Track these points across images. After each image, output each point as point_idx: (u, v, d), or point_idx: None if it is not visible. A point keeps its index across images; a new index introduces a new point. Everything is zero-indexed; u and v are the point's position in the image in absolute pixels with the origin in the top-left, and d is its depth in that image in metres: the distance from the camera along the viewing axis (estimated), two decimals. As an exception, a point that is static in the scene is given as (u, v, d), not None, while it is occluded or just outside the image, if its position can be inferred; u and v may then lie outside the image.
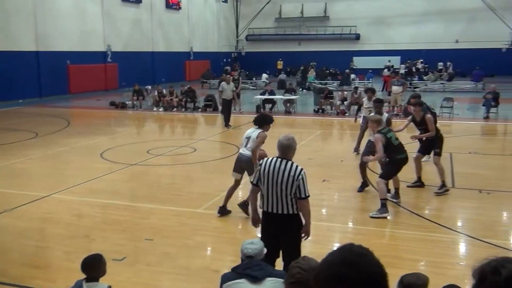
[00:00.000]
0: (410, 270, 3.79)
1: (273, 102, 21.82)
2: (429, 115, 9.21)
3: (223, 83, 17.81)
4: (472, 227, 7.44)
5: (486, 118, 18.46)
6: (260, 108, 21.51)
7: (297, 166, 4.75)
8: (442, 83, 31.70)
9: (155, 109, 22.80)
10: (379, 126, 8.16)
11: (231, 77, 19.41)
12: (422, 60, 40.58)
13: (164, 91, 23.56)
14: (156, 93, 23.59)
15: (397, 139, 8.14)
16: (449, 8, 43.65)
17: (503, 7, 40.49)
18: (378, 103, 9.77)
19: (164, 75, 37.64)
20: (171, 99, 22.75)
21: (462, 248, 6.75)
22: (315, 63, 41.39)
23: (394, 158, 8.10)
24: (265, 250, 3.79)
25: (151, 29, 37.57)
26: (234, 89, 18.25)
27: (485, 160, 11.94)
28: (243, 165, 7.77)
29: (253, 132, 7.67)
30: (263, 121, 7.68)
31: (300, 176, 4.67)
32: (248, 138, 7.67)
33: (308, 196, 4.73)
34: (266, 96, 21.76)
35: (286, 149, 4.80)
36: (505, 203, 8.64)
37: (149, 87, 26.50)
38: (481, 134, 16.06)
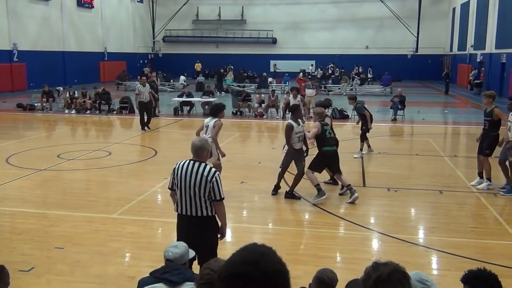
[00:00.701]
0: (326, 267, 3.90)
1: (191, 104, 21.68)
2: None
3: (139, 85, 17.36)
4: (381, 223, 7.83)
5: (394, 120, 19.54)
6: (178, 110, 21.28)
7: (210, 168, 4.73)
8: (351, 88, 33.09)
9: (66, 111, 21.82)
10: (320, 118, 9.07)
11: (149, 79, 18.92)
12: (332, 65, 42.09)
13: (76, 93, 22.63)
14: (67, 95, 22.59)
15: (330, 133, 9.06)
16: (360, 16, 45.79)
17: (408, 16, 43.15)
18: (295, 110, 10.01)
19: (77, 76, 36.11)
20: (83, 101, 21.89)
21: (373, 244, 7.08)
22: (231, 66, 41.70)
23: (320, 149, 8.94)
24: (191, 254, 3.73)
25: (61, 28, 35.88)
26: (151, 90, 17.80)
27: (393, 160, 12.62)
28: None
29: (210, 121, 8.74)
30: (216, 110, 8.83)
31: (214, 178, 4.65)
32: (207, 126, 8.74)
33: (223, 198, 4.73)
34: (184, 99, 21.57)
35: (199, 151, 4.77)
36: (411, 200, 9.18)
37: (61, 88, 25.29)
38: (390, 135, 16.95)
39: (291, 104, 15.38)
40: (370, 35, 46.00)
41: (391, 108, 20.27)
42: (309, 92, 20.77)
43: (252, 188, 9.77)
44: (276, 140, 16.50)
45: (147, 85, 17.52)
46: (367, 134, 13.07)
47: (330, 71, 40.77)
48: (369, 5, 44.74)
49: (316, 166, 8.92)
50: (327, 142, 8.90)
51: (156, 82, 22.99)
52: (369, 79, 39.56)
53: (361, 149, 13.03)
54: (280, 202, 8.92)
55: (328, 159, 8.93)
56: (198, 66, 45.81)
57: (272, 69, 44.48)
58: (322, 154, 8.90)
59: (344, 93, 31.29)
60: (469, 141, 16.20)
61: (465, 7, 38.83)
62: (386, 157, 12.94)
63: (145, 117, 17.15)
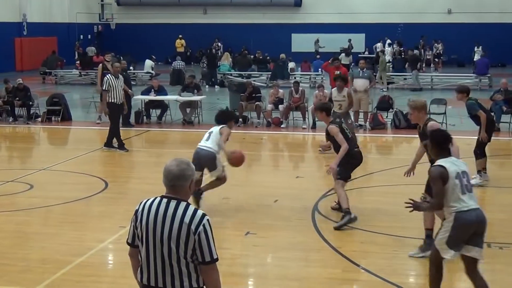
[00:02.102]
0: None
1: (163, 106, 21.71)
2: (331, 126, 10.67)
3: (109, 76, 16.50)
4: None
5: (496, 130, 19.43)
6: (142, 115, 21.31)
7: (196, 210, 4.71)
8: (437, 76, 32.94)
9: (-39, 119, 22.01)
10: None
11: (118, 66, 17.91)
12: (390, 41, 41.90)
13: (-22, 89, 22.83)
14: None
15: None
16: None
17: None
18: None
19: (-22, 61, 36.46)
20: (-11, 102, 22.07)
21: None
22: (220, 44, 41.78)
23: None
24: None
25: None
26: (124, 86, 17.33)
27: (495, 196, 12.56)
28: (202, 161, 10.65)
29: (215, 128, 11.12)
30: (225, 116, 11.58)
31: (201, 227, 4.63)
32: (211, 133, 11.01)
33: (217, 259, 4.72)
34: (153, 97, 21.60)
35: (178, 182, 4.74)
36: (527, 262, 9.09)
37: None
38: (490, 156, 16.84)
39: (333, 98, 16.53)
40: (454, -8, 46.14)
41: (491, 110, 20.21)
42: (359, 83, 20.43)
43: (264, 242, 9.73)
44: (303, 163, 16.49)
45: (121, 76, 17.04)
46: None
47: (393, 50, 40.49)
48: None
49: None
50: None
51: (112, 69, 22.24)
52: (473, 63, 38.80)
53: (480, 170, 13.21)
54: (308, 265, 8.88)
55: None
56: (180, 44, 45.92)
57: (313, 49, 44.44)
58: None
59: (384, 89, 31.08)
60: None
61: None
62: (483, 191, 12.86)
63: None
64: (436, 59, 39.58)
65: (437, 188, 6.95)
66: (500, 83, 21.29)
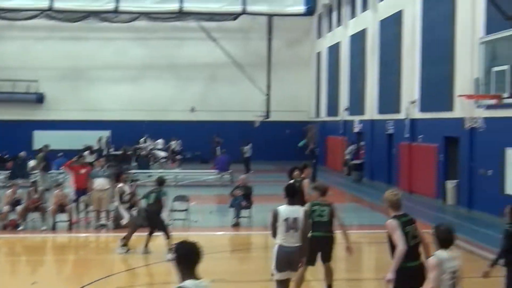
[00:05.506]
0: None
1: None
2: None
3: None
4: None
5: (236, 225, 20.00)
6: None
7: None
8: (180, 172, 33.59)
9: None
10: None
11: None
12: (146, 137, 42.55)
13: None
14: None
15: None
16: (181, 61, 47.45)
17: (254, 63, 45.73)
18: None
19: None
20: None
21: None
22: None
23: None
24: None
25: None
26: None
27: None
28: None
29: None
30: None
31: None
32: None
33: None
34: None
35: None
36: None
37: None
38: (231, 251, 17.30)
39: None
40: (198, 91, 47.76)
41: (231, 206, 20.81)
42: (98, 183, 20.30)
43: None
44: (42, 267, 15.94)
45: None
46: None
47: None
48: (195, 46, 46.82)
49: None
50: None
51: None
52: (247, 158, 39.17)
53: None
54: None
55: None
56: None
57: (56, 146, 43.20)
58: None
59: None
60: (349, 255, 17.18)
61: (333, 52, 42.53)
62: (222, 286, 13.09)
63: None
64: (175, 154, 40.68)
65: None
66: (239, 179, 22.07)
